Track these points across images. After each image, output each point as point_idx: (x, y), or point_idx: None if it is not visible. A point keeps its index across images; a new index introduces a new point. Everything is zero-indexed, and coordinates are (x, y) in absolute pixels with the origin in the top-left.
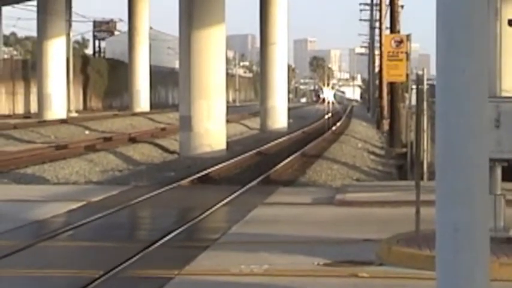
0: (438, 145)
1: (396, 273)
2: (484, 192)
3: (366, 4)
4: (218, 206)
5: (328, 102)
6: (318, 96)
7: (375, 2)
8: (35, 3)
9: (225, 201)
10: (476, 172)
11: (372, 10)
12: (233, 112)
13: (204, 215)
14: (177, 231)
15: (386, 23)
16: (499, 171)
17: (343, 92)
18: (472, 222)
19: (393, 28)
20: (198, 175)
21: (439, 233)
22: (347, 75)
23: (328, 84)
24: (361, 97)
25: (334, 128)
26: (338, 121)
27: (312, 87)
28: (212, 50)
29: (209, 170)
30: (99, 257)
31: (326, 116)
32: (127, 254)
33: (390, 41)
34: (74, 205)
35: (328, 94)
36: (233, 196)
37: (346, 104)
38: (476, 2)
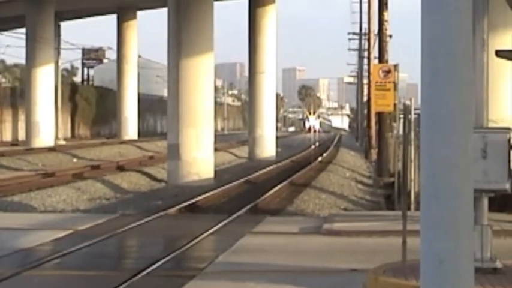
0: (423, 176)
1: None
2: (469, 223)
3: (354, 33)
4: (205, 235)
5: (315, 131)
6: (304, 124)
7: (363, 31)
8: (23, 30)
9: (212, 230)
10: (461, 203)
11: (360, 39)
12: (221, 141)
13: (190, 244)
14: (164, 260)
15: (375, 52)
16: (485, 202)
17: (329, 121)
18: (456, 253)
19: (381, 58)
20: (186, 204)
21: (424, 265)
22: (335, 104)
23: (314, 113)
24: (349, 126)
25: (320, 158)
26: (325, 151)
27: (300, 116)
28: (201, 78)
29: (197, 199)
30: (84, 286)
31: (312, 146)
32: (112, 283)
33: (378, 71)
34: (61, 233)
35: (313, 123)
36: (220, 225)
37: (334, 134)
38: (461, 32)
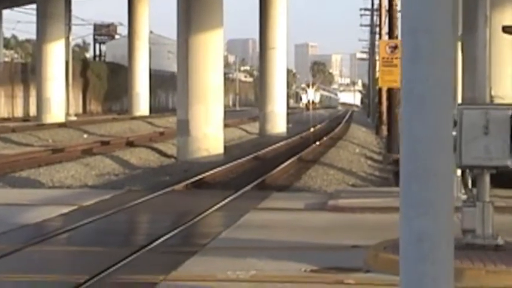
0: (402, 155)
1: (382, 280)
2: (448, 202)
3: (366, 9)
4: (210, 211)
5: (314, 107)
6: (301, 99)
7: (375, 7)
8: (34, 6)
9: (218, 206)
10: (441, 182)
11: (372, 15)
12: (233, 116)
13: (195, 220)
14: (167, 236)
15: (387, 28)
16: (487, 179)
17: (335, 95)
18: (435, 232)
19: (391, 34)
20: (193, 180)
21: (403, 243)
22: (348, 80)
23: (312, 85)
24: (361, 102)
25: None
26: (328, 134)
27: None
28: (210, 54)
29: (204, 175)
30: (85, 261)
31: (312, 129)
32: (114, 259)
33: (385, 47)
34: (65, 209)
35: (312, 96)
36: (226, 201)
37: (345, 110)
38: (441, 9)
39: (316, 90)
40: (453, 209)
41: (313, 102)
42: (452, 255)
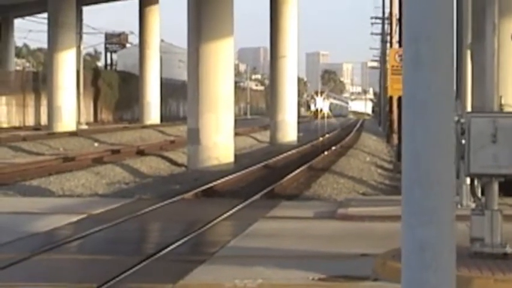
0: (404, 162)
1: None
2: (450, 210)
3: (377, 18)
4: (219, 219)
5: (323, 116)
6: (309, 107)
7: (386, 16)
8: (46, 15)
9: (227, 214)
10: (443, 190)
11: (383, 24)
12: (244, 125)
13: (204, 229)
14: (175, 244)
15: (397, 36)
16: (495, 187)
17: (346, 103)
18: (438, 240)
19: (402, 42)
20: (203, 188)
21: (405, 252)
22: (359, 89)
23: (321, 93)
24: (373, 111)
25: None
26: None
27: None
28: (220, 63)
29: (214, 183)
30: (94, 270)
31: (320, 138)
32: (122, 267)
33: (394, 55)
34: (75, 218)
35: (321, 105)
36: (235, 210)
37: (356, 119)
38: (441, 16)
39: (325, 98)
40: (455, 217)
41: (321, 110)
42: (454, 263)
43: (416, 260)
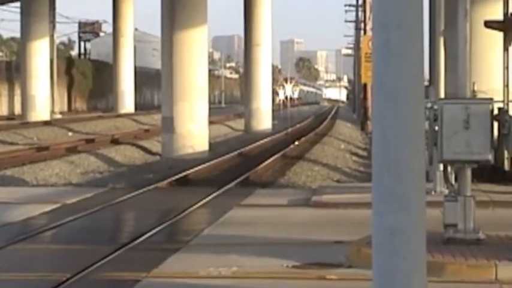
0: (374, 149)
1: (364, 275)
2: (420, 196)
3: (350, 5)
4: (194, 208)
5: (293, 104)
6: (277, 94)
7: (359, 3)
8: (18, 4)
9: (201, 203)
10: (413, 176)
11: (357, 11)
12: (218, 113)
13: (178, 217)
14: (149, 233)
15: (371, 24)
16: (468, 173)
17: (319, 89)
18: (408, 226)
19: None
20: (177, 177)
21: (375, 238)
22: (334, 76)
23: (290, 80)
24: (347, 98)
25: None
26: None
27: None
28: (194, 51)
29: (189, 172)
30: (67, 259)
31: (289, 129)
32: (95, 256)
33: (368, 42)
34: (49, 207)
35: (289, 92)
36: (209, 198)
37: (331, 106)
38: (411, 3)
39: (294, 85)
40: (425, 203)
41: (291, 98)
42: (424, 249)
43: (387, 247)
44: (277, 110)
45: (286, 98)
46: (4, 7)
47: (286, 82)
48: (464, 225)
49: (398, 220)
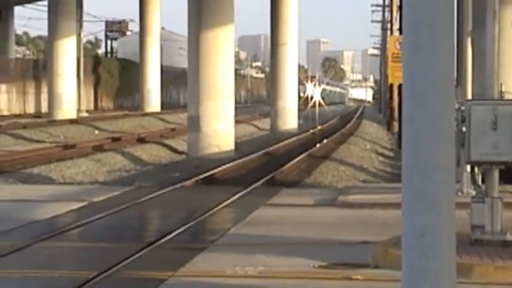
0: (404, 149)
1: (391, 276)
2: (450, 196)
3: (377, 5)
4: (220, 207)
5: (314, 105)
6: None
7: (386, 3)
8: (45, 3)
9: (227, 202)
10: (443, 176)
11: (383, 11)
12: (244, 112)
13: (204, 216)
14: (176, 232)
15: (397, 24)
16: (496, 174)
17: (344, 89)
18: (438, 227)
19: (402, 29)
20: (203, 176)
21: (405, 238)
22: (360, 77)
23: (312, 79)
24: (373, 98)
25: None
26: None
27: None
28: (220, 51)
29: (215, 171)
30: (94, 257)
31: (311, 130)
32: (122, 255)
33: (395, 43)
34: (76, 205)
35: (311, 91)
36: (235, 197)
37: (357, 106)
38: (442, 2)
39: (316, 84)
40: (455, 203)
41: (311, 98)
42: (454, 250)
43: (416, 247)
44: (303, 109)
45: (307, 98)
46: (31, 5)
47: (307, 81)
48: (492, 227)
49: (428, 221)
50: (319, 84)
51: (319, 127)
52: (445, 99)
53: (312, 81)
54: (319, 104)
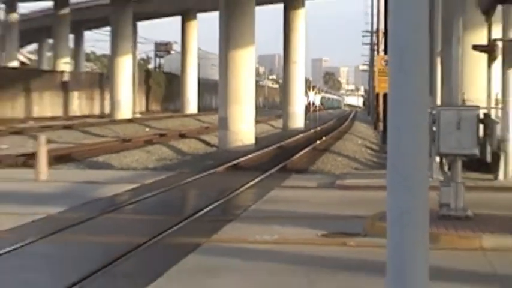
0: (389, 144)
1: (377, 242)
2: (425, 181)
3: (367, 31)
4: (243, 188)
5: (315, 109)
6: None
7: (374, 30)
8: (109, 28)
9: (249, 184)
10: (419, 165)
11: (371, 36)
12: (262, 115)
13: (231, 195)
14: (209, 208)
15: (382, 46)
16: (459, 164)
17: (339, 96)
18: (415, 205)
19: (386, 51)
20: (231, 164)
21: (389, 215)
22: (353, 87)
23: (313, 88)
24: (363, 104)
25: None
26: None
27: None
28: (244, 66)
29: (240, 160)
30: (146, 227)
31: (317, 128)
32: (168, 225)
33: (381, 61)
34: (131, 186)
35: (312, 99)
36: (256, 180)
37: (350, 110)
38: (420, 30)
39: (316, 92)
40: (428, 187)
41: (313, 104)
42: (427, 223)
43: (398, 222)
44: (308, 112)
45: (309, 103)
46: (99, 31)
47: (309, 90)
48: (456, 205)
49: (407, 200)
50: (319, 93)
51: (318, 128)
52: (421, 107)
53: (313, 90)
54: (319, 108)
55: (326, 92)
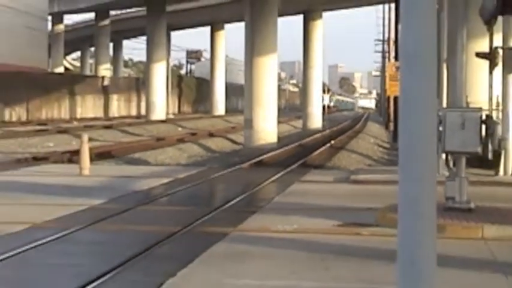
0: (401, 142)
1: (388, 232)
2: (434, 176)
3: (379, 40)
4: (266, 182)
5: (329, 108)
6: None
7: (385, 38)
8: (145, 37)
9: (272, 179)
10: (429, 162)
11: (383, 44)
12: (284, 116)
13: (255, 189)
14: (235, 200)
15: (393, 53)
16: (463, 160)
17: (353, 98)
18: (424, 198)
19: (397, 57)
20: (255, 160)
21: (400, 206)
22: (366, 91)
23: (328, 91)
24: (376, 106)
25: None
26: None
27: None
28: (267, 71)
29: (263, 157)
30: (179, 217)
31: (327, 130)
32: (198, 215)
33: (392, 67)
34: (165, 180)
35: (328, 101)
36: (278, 175)
37: (363, 112)
38: (429, 39)
39: (331, 95)
40: (436, 181)
41: (328, 106)
42: (435, 214)
43: (408, 213)
44: (324, 113)
45: (324, 106)
46: (136, 39)
47: (324, 93)
48: (460, 198)
49: (417, 192)
50: (333, 96)
51: (336, 126)
52: (430, 109)
53: (328, 92)
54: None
55: (341, 95)
